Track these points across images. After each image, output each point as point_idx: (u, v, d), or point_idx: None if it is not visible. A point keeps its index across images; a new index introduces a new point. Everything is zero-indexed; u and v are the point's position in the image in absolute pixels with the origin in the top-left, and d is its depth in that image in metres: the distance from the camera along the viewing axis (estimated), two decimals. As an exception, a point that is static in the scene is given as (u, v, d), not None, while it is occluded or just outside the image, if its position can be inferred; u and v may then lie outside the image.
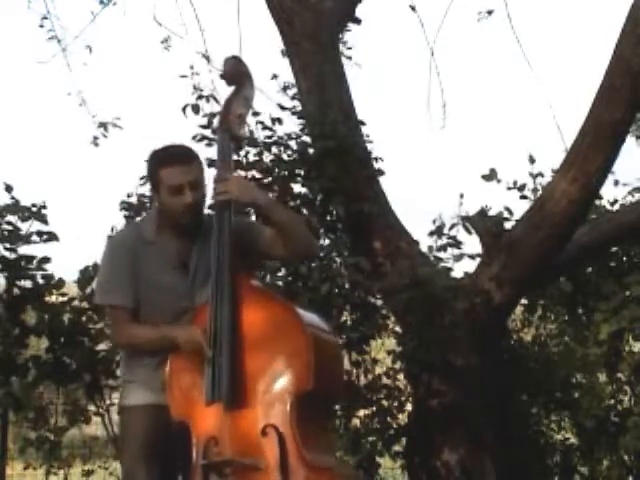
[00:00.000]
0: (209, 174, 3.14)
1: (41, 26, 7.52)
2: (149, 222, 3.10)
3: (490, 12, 7.54)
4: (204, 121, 5.15)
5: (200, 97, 5.28)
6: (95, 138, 6.80)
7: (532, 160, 5.61)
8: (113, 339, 3.19)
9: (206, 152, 4.64)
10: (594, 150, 4.62)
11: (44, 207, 4.47)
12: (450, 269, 5.27)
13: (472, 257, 5.25)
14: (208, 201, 3.08)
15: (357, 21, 6.04)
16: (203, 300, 2.90)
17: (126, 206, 4.86)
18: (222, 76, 3.01)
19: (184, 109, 5.23)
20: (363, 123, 5.57)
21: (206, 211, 3.12)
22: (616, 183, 5.85)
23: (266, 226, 3.02)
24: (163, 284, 2.96)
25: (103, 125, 6.71)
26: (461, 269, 5.40)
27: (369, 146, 5.50)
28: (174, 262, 2.98)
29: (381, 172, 5.47)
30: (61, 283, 4.49)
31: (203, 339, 2.76)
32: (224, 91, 3.10)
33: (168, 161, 2.95)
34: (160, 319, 2.95)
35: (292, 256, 3.07)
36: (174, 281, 2.97)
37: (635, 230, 5.24)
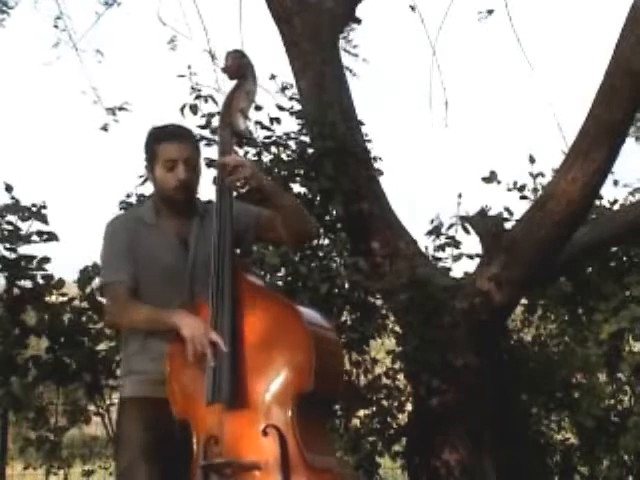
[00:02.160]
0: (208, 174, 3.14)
1: (55, 26, 7.57)
2: (148, 206, 3.12)
3: (490, 12, 7.53)
4: (203, 121, 5.14)
5: (198, 97, 5.27)
6: (105, 124, 6.84)
7: (532, 160, 5.62)
8: (112, 318, 3.11)
9: (205, 152, 4.65)
10: (594, 150, 4.62)
11: (44, 207, 4.48)
12: (449, 269, 5.28)
13: (471, 257, 5.25)
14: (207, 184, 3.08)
15: (357, 21, 6.04)
16: (203, 285, 2.87)
17: (125, 206, 4.85)
18: (224, 70, 2.99)
19: (182, 109, 5.23)
20: (362, 123, 5.57)
21: (203, 198, 3.13)
22: (615, 183, 5.84)
23: (262, 209, 3.05)
24: (163, 263, 2.96)
25: (111, 110, 6.72)
26: (461, 269, 5.41)
27: (368, 146, 5.50)
28: (174, 241, 2.99)
29: (380, 172, 5.47)
30: (61, 283, 4.49)
31: (208, 330, 2.73)
32: (228, 88, 3.09)
33: (165, 137, 3.00)
34: (159, 300, 2.92)
35: (292, 237, 3.06)
36: (174, 260, 2.96)
37: (635, 230, 5.23)
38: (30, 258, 4.39)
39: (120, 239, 2.99)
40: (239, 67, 2.99)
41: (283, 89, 5.46)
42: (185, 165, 2.95)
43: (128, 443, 2.92)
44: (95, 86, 7.49)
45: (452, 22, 7.47)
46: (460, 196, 5.27)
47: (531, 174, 5.65)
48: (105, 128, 6.76)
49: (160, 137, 3.01)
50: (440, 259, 5.36)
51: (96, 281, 4.40)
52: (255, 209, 3.12)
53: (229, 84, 3.05)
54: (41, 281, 4.44)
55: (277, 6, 5.68)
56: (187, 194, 3.00)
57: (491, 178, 5.37)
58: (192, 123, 5.10)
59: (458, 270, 5.38)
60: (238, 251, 3.00)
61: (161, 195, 3.03)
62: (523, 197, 5.61)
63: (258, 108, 4.98)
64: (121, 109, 6.50)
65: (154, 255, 2.97)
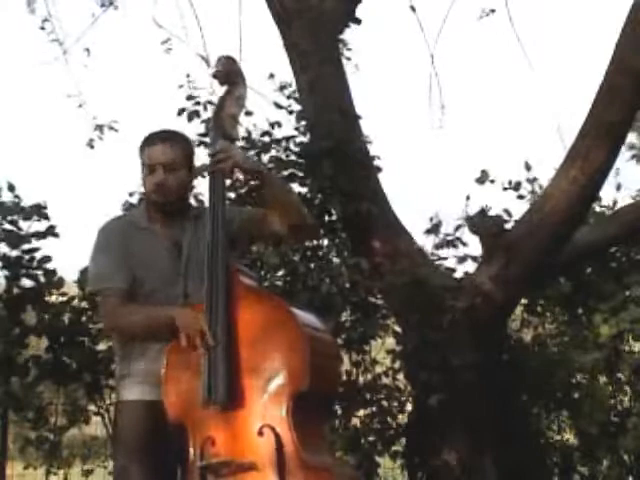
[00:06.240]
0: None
1: (42, 28, 7.54)
2: (140, 211, 3.17)
3: (492, 11, 7.52)
4: (202, 127, 5.12)
5: (197, 103, 5.26)
6: (91, 140, 6.79)
7: (528, 167, 5.62)
8: (107, 324, 3.15)
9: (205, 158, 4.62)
10: (594, 150, 4.62)
11: (45, 207, 4.49)
12: (453, 270, 5.28)
13: (475, 259, 5.24)
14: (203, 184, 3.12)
15: (357, 21, 6.02)
16: (196, 289, 2.88)
17: (128, 206, 4.84)
18: (214, 76, 3.02)
19: (179, 114, 5.23)
20: (361, 123, 5.56)
21: (196, 202, 3.15)
22: (618, 188, 5.80)
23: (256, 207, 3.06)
24: (156, 268, 2.96)
25: (99, 127, 6.70)
26: (462, 269, 5.41)
27: (368, 146, 5.50)
28: (167, 245, 3.00)
29: (379, 169, 5.47)
30: (61, 282, 4.50)
31: (205, 324, 2.73)
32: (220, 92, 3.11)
33: (149, 141, 3.04)
34: (154, 303, 2.93)
35: (288, 229, 3.05)
36: (167, 264, 2.97)
37: (635, 230, 5.23)
38: (30, 251, 4.41)
39: (114, 244, 2.99)
40: (229, 73, 3.02)
41: (282, 88, 5.46)
42: (164, 169, 2.97)
43: (125, 445, 2.94)
44: (81, 90, 7.46)
45: (453, 22, 7.48)
46: (468, 198, 5.28)
47: (528, 179, 5.65)
48: (91, 145, 6.75)
49: (146, 142, 3.04)
50: (440, 258, 5.36)
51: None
52: (247, 208, 3.14)
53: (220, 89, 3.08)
54: (42, 278, 4.45)
55: (277, 6, 5.68)
56: (165, 197, 3.00)
57: (482, 178, 5.37)
58: (193, 130, 5.10)
59: (460, 270, 5.40)
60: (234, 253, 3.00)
61: (146, 198, 3.13)
62: (520, 197, 5.61)
63: (249, 113, 4.99)
64: (110, 128, 6.50)
65: (148, 259, 2.97)
